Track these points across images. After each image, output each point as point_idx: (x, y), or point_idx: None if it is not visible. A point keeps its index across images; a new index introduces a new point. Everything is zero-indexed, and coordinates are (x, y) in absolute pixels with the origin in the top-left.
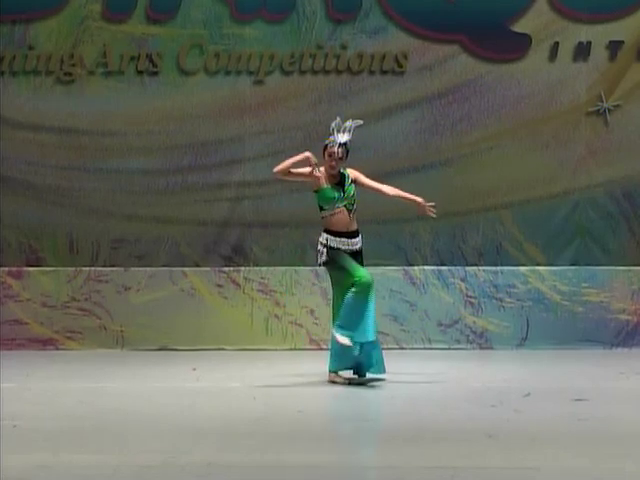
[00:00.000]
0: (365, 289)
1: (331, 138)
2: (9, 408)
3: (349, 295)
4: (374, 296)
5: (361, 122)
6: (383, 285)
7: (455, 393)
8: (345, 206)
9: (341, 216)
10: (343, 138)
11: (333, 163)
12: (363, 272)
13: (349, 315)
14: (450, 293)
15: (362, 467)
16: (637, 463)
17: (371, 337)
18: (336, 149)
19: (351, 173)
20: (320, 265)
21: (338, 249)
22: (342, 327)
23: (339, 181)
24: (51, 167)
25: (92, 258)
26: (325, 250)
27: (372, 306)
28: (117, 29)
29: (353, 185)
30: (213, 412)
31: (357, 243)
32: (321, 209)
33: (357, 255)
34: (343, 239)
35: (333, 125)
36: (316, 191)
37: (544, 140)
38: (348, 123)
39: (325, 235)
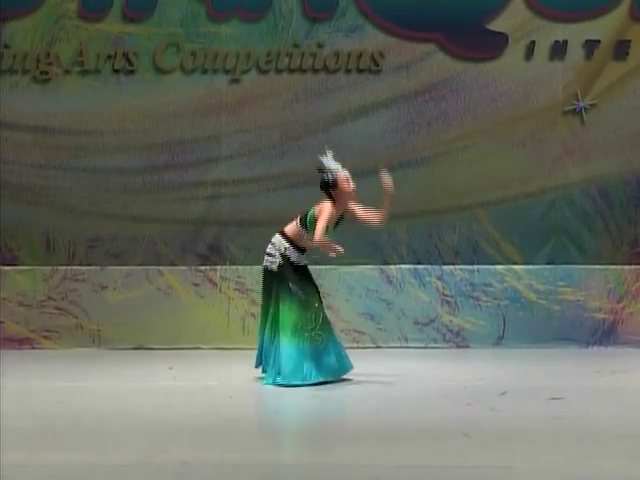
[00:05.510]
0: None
1: (342, 173)
2: None
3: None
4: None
5: (328, 151)
6: (360, 284)
7: (431, 391)
8: None
9: None
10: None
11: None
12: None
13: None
14: (427, 292)
15: (338, 466)
16: (612, 461)
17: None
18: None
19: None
20: (266, 270)
21: (293, 265)
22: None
23: None
24: (27, 166)
25: (68, 257)
26: (280, 261)
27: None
28: (93, 28)
29: None
30: (189, 411)
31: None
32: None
33: (305, 269)
34: (302, 256)
35: (327, 166)
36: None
37: (520, 139)
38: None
39: (290, 248)
